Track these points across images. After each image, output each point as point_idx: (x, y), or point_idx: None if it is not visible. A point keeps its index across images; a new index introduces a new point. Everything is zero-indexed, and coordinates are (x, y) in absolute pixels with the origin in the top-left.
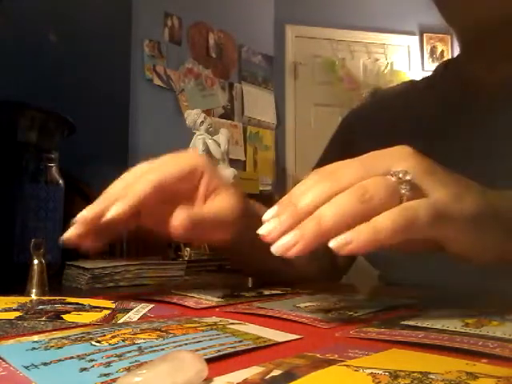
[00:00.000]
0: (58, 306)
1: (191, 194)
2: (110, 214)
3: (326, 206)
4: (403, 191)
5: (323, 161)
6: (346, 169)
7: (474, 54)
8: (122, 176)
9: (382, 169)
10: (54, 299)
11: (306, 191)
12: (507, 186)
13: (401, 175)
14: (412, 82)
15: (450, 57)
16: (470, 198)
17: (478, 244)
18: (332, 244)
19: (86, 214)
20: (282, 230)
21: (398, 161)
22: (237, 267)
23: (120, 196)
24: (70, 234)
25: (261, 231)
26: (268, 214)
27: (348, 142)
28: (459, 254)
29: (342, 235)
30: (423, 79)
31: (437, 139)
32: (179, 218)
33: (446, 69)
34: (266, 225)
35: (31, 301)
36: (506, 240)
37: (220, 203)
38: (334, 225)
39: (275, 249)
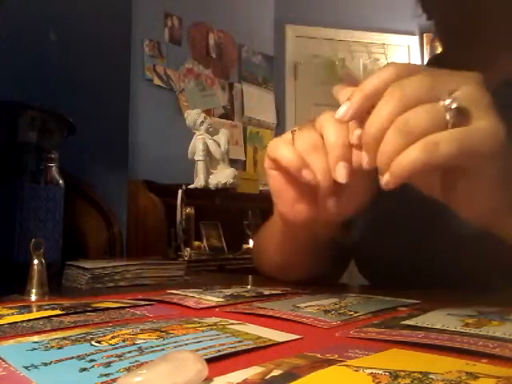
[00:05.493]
0: None
1: None
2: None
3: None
4: (448, 118)
5: None
6: (414, 87)
7: (461, 55)
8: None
9: (446, 91)
10: None
11: (372, 120)
12: None
13: (447, 102)
14: None
15: None
16: (503, 134)
17: (488, 185)
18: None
19: None
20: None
21: (462, 84)
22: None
23: None
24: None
25: (337, 115)
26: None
27: None
28: (464, 193)
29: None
30: None
31: None
32: None
33: (437, 62)
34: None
35: None
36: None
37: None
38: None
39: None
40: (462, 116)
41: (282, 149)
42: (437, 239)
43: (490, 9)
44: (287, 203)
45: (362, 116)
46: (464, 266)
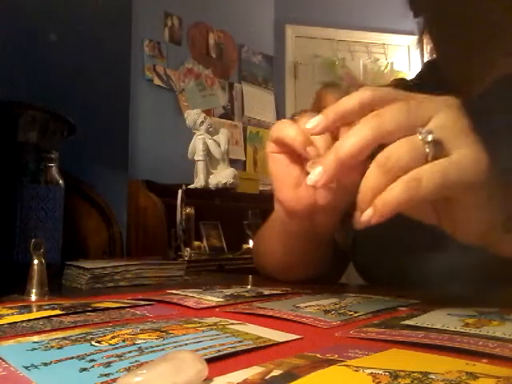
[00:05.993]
0: None
1: None
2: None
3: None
4: (427, 150)
5: None
6: (391, 115)
7: (458, 58)
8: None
9: (423, 118)
10: None
11: (349, 137)
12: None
13: (423, 136)
14: (402, 80)
15: None
16: (486, 161)
17: (479, 210)
18: (360, 220)
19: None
20: (326, 180)
21: (438, 112)
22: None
23: None
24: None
25: (309, 182)
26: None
27: None
28: (455, 220)
29: (364, 213)
30: (413, 78)
31: None
32: None
33: (432, 67)
34: (312, 175)
35: None
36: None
37: None
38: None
39: (308, 181)
40: (440, 146)
41: (286, 128)
42: (436, 243)
43: (488, 9)
44: (288, 188)
45: (331, 132)
46: (464, 269)
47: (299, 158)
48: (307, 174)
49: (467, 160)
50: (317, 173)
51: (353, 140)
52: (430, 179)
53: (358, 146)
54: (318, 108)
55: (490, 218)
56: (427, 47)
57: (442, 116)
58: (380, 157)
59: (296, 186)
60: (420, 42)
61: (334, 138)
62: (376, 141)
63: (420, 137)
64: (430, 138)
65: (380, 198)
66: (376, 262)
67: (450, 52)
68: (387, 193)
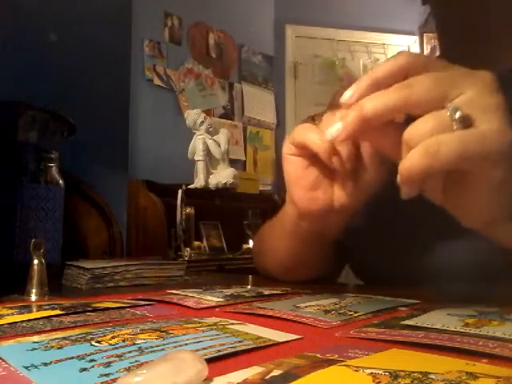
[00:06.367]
0: None
1: None
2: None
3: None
4: (455, 127)
5: None
6: (422, 86)
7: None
8: None
9: (453, 93)
10: None
11: (374, 97)
12: None
13: (451, 113)
14: None
15: None
16: (511, 135)
17: (491, 190)
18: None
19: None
20: (345, 136)
21: (469, 87)
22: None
23: None
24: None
25: (327, 136)
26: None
27: None
28: (464, 200)
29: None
30: None
31: None
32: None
33: None
34: (332, 128)
35: None
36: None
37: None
38: None
39: (327, 135)
40: (468, 123)
41: (311, 133)
42: (436, 241)
43: (493, 5)
44: (304, 190)
45: (354, 143)
46: (464, 268)
47: (316, 162)
48: (325, 176)
49: (491, 132)
50: (336, 128)
51: (378, 101)
52: (450, 147)
53: (382, 108)
54: (333, 108)
55: (499, 203)
56: (427, 47)
57: (472, 91)
58: (405, 134)
59: (312, 189)
60: (423, 30)
61: (357, 147)
62: (401, 110)
63: (448, 113)
64: (457, 115)
65: (401, 166)
66: (375, 261)
67: (453, 44)
68: (407, 159)
